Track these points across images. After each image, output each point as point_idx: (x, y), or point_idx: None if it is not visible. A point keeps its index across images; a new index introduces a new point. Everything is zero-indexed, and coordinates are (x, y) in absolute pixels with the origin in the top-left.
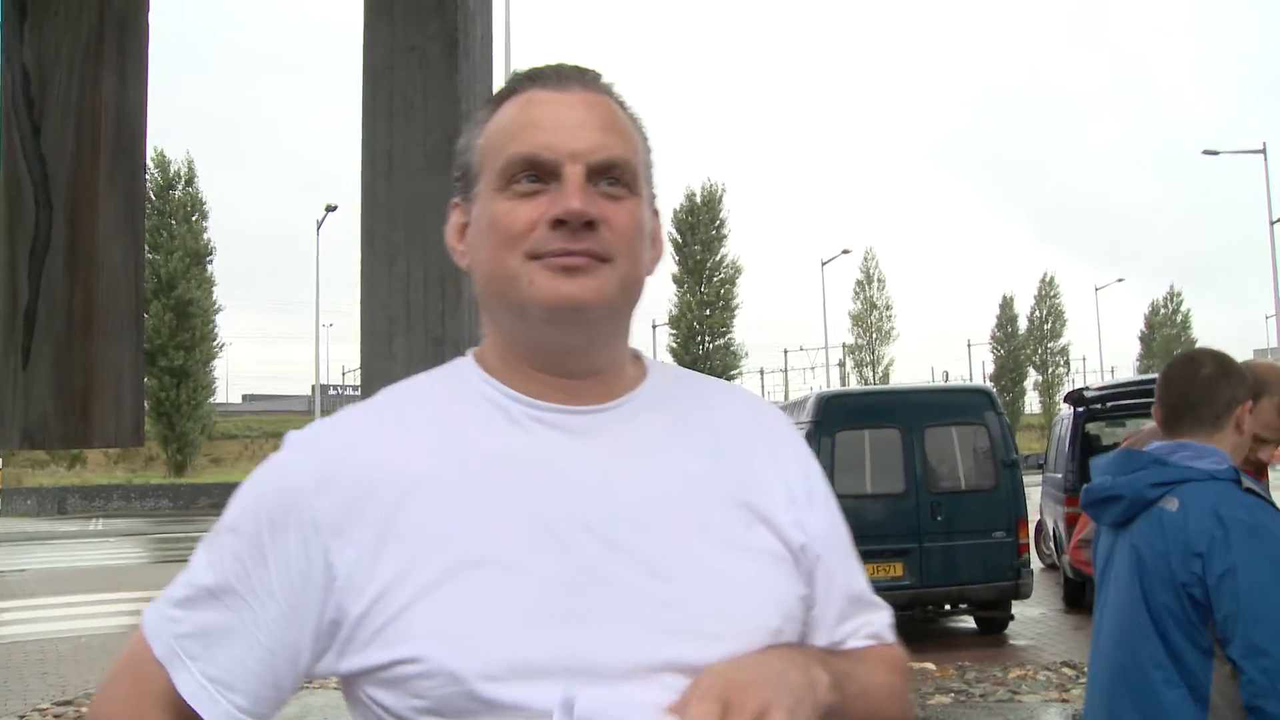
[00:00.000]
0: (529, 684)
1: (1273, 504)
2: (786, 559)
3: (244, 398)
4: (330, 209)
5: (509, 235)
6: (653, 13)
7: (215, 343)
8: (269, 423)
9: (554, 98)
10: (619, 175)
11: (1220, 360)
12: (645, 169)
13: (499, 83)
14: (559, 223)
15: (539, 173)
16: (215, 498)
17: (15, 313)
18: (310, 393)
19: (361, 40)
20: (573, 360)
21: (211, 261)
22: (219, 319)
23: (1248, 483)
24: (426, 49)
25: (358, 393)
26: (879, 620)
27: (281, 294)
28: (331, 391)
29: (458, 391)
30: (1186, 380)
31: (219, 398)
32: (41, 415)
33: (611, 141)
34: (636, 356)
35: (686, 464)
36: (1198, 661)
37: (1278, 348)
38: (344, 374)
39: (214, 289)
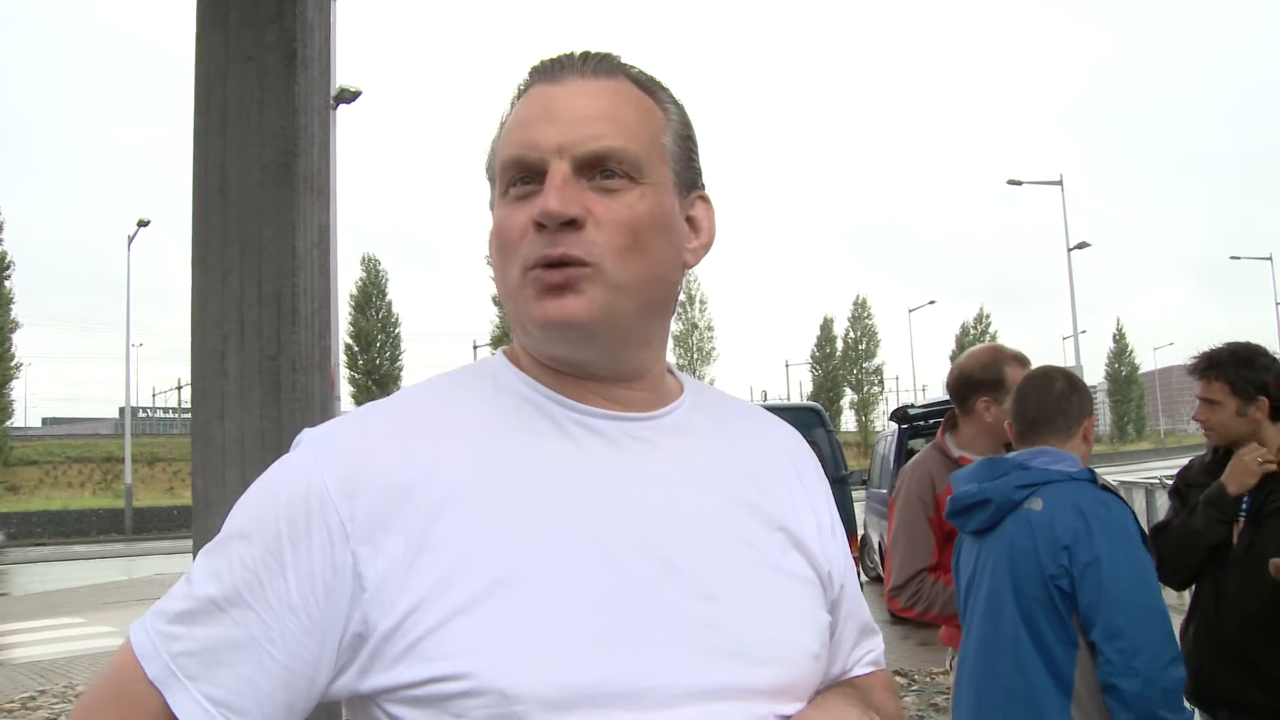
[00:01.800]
0: (589, 713)
1: (1124, 500)
2: (818, 586)
3: (44, 421)
4: (143, 224)
5: (506, 244)
6: (480, 35)
7: (13, 363)
8: (72, 447)
9: (548, 92)
10: (616, 166)
11: (1070, 377)
12: (663, 152)
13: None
14: (540, 225)
15: (530, 174)
16: (13, 527)
17: None
18: (118, 415)
19: (193, 48)
20: (598, 369)
21: (9, 276)
22: (16, 338)
23: (1102, 481)
24: (264, 59)
25: (169, 415)
26: (878, 646)
27: (85, 312)
28: (142, 414)
29: (494, 391)
30: (1042, 396)
31: (16, 421)
32: None
33: (605, 130)
34: (669, 369)
35: (728, 483)
36: (1063, 653)
37: (1075, 366)
38: (154, 395)
39: (11, 306)
